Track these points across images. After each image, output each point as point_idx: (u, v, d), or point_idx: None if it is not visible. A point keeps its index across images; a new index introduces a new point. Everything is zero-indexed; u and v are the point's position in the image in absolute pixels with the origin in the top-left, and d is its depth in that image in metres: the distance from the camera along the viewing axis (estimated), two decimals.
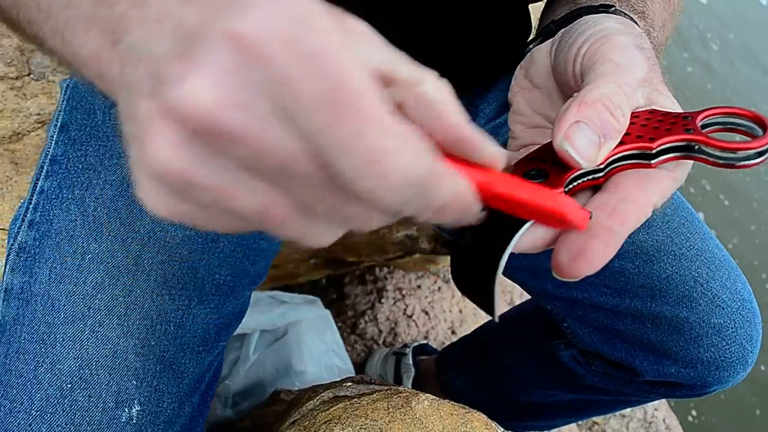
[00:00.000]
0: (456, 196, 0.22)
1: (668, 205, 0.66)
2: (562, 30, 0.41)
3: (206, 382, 0.58)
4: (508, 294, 1.44)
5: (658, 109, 0.34)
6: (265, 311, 1.09)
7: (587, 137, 0.30)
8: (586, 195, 0.32)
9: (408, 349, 1.11)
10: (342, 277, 1.32)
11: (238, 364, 1.10)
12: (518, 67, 0.44)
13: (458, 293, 1.38)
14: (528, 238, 0.29)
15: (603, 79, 0.32)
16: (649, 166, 0.32)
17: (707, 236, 0.66)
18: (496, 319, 0.28)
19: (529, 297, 0.80)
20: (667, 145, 0.32)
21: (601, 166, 0.31)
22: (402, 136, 0.20)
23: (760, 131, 0.32)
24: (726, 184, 2.21)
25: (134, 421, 0.48)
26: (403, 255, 1.10)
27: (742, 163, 0.31)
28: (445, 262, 1.32)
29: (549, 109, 0.40)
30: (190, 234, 0.54)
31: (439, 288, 1.36)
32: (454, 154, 0.24)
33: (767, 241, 2.09)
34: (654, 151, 0.31)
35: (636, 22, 0.42)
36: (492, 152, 0.24)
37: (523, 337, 0.84)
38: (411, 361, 1.08)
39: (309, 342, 1.09)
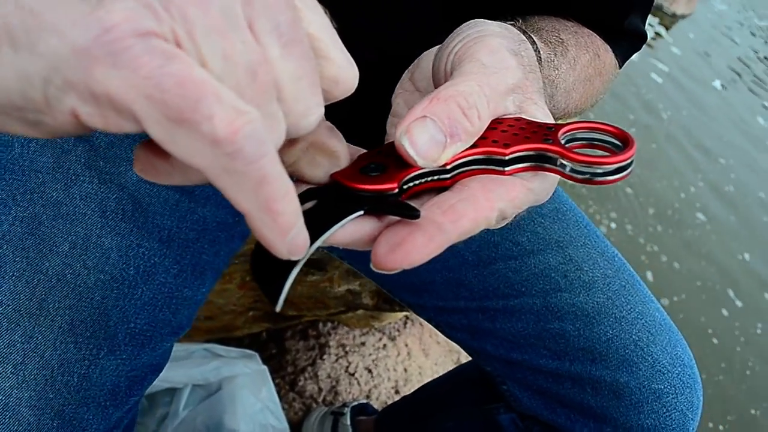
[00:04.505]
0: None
1: (609, 267, 0.65)
2: None
3: None
4: (455, 354, 1.42)
5: (526, 117, 0.33)
6: (197, 365, 1.04)
7: (431, 134, 0.28)
8: (431, 196, 0.30)
9: (346, 408, 1.06)
10: (283, 332, 1.27)
11: (167, 420, 1.04)
12: (406, 71, 0.42)
13: (404, 351, 1.35)
14: (351, 230, 0.28)
15: (464, 77, 0.31)
16: (502, 173, 0.31)
17: (648, 299, 0.66)
18: (278, 309, 0.26)
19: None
20: (521, 154, 0.30)
21: (447, 167, 0.30)
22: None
23: (623, 148, 0.31)
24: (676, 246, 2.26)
25: None
26: (345, 310, 1.07)
27: (601, 179, 0.30)
28: (389, 319, 1.30)
29: None
30: (103, 278, 0.50)
31: (384, 345, 1.33)
32: None
33: (713, 298, 2.13)
34: (507, 158, 0.30)
35: (536, 43, 0.40)
36: None
37: (463, 399, 0.82)
38: (349, 422, 1.03)
39: (243, 399, 1.04)
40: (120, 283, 0.51)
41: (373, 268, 0.27)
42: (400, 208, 0.28)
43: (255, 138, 0.21)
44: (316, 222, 0.26)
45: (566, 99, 0.48)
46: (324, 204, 0.29)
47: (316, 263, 0.92)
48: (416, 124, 0.28)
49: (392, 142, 0.31)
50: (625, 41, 0.61)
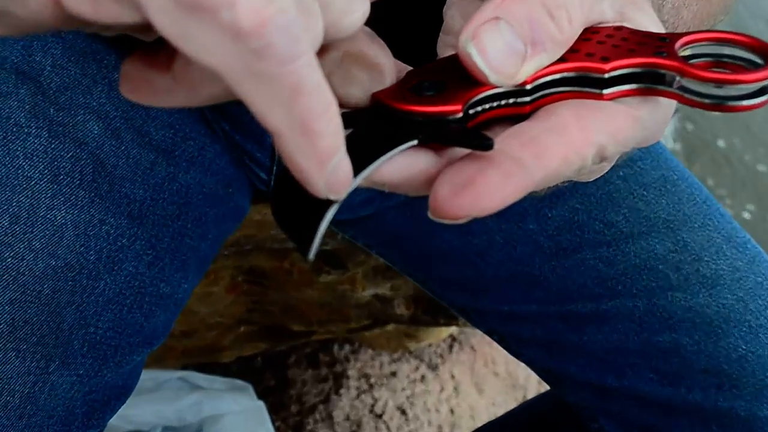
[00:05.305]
0: None
1: (740, 257, 0.65)
2: None
3: None
4: (520, 390, 1.42)
5: (629, 26, 0.33)
6: (170, 399, 1.06)
7: (506, 41, 0.28)
8: (507, 128, 0.30)
9: None
10: (285, 356, 1.29)
11: None
12: None
13: (449, 385, 1.36)
14: (402, 165, 0.29)
15: None
16: (600, 97, 0.31)
17: None
18: (310, 258, 0.27)
19: (547, 388, 0.78)
20: (626, 70, 0.30)
21: (527, 87, 0.30)
22: None
23: (762, 64, 0.31)
24: None
25: None
26: (371, 325, 1.08)
27: (735, 103, 0.30)
28: (430, 339, 1.30)
29: None
30: (55, 265, 0.51)
31: (423, 377, 1.34)
32: None
33: None
34: (606, 76, 0.30)
35: None
36: None
37: None
38: None
39: None
40: (77, 272, 0.52)
41: (432, 216, 0.27)
42: (466, 137, 0.28)
43: (288, 32, 0.21)
44: (356, 154, 0.27)
45: (675, 17, 0.48)
46: (365, 131, 0.29)
47: (331, 257, 0.93)
48: (487, 27, 0.28)
49: (452, 56, 0.32)
50: None
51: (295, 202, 0.27)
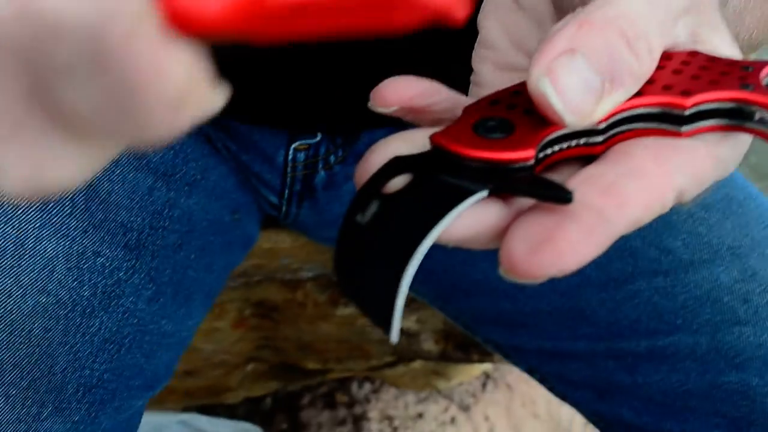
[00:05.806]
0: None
1: None
2: None
3: None
4: None
5: (705, 52, 0.33)
6: None
7: (583, 77, 0.28)
8: (575, 168, 0.31)
9: None
10: (299, 396, 1.29)
11: None
12: None
13: (483, 428, 1.35)
14: (471, 220, 0.28)
15: None
16: (677, 134, 0.31)
17: None
18: (394, 339, 0.26)
19: None
20: (709, 105, 0.31)
21: (601, 126, 0.30)
22: None
23: None
24: None
25: None
26: (395, 362, 1.08)
27: None
28: (461, 377, 1.30)
29: (537, 43, 0.39)
30: (45, 302, 0.52)
31: (453, 419, 1.33)
32: None
33: None
34: (687, 112, 0.30)
35: None
36: None
37: None
38: None
39: None
40: (69, 309, 0.53)
41: (505, 276, 0.27)
42: (541, 188, 0.28)
43: None
44: (421, 208, 0.27)
45: (736, 24, 0.48)
46: (425, 181, 0.29)
47: None
48: (563, 61, 0.28)
49: (511, 88, 0.32)
50: None
51: (365, 262, 0.27)
